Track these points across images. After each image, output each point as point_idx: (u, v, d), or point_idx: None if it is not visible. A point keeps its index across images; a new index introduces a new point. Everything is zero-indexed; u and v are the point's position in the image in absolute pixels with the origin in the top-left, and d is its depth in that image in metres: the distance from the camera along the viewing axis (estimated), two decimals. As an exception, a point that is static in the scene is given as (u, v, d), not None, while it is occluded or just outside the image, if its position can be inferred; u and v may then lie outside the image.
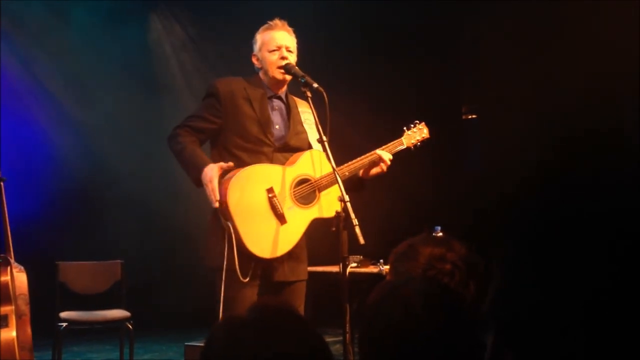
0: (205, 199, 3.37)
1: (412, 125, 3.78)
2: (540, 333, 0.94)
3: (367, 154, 3.58)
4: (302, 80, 3.40)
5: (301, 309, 3.50)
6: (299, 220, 3.41)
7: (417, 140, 3.77)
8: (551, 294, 0.94)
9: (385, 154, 3.57)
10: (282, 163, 3.47)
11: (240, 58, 3.71)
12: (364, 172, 3.57)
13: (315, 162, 3.49)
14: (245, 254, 3.30)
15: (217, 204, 3.26)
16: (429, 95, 7.48)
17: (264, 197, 3.35)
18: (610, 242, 0.95)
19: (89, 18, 7.94)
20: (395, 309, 1.29)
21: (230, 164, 3.33)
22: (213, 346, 1.24)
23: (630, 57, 6.01)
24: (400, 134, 3.74)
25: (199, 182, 3.36)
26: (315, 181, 3.46)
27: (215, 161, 3.48)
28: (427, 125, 3.83)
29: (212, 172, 3.30)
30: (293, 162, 3.47)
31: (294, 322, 1.25)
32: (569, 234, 0.98)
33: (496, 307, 1.00)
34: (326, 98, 3.31)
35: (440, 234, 4.72)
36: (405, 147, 3.72)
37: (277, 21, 3.60)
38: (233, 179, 3.31)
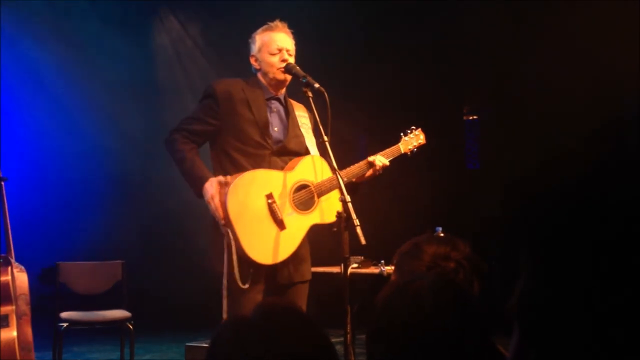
0: (206, 207, 3.37)
1: (408, 131, 3.83)
2: (566, 333, 0.94)
3: (366, 160, 3.60)
4: (304, 80, 3.39)
5: (303, 309, 3.49)
6: (298, 226, 3.39)
7: (414, 146, 3.82)
8: (578, 294, 0.94)
9: (383, 159, 3.60)
10: (280, 166, 3.45)
11: (245, 62, 3.70)
12: (358, 176, 3.59)
13: (314, 167, 3.47)
14: (245, 260, 3.29)
15: (223, 222, 3.27)
16: (429, 96, 7.48)
17: (263, 202, 3.33)
18: (622, 243, 0.95)
19: (92, 20, 7.94)
20: (405, 305, 1.29)
21: (228, 178, 3.33)
22: (219, 346, 1.23)
23: (633, 54, 6.01)
24: (397, 140, 3.78)
25: (199, 196, 3.38)
26: (314, 187, 3.44)
27: (214, 162, 3.48)
28: (425, 130, 3.87)
29: (212, 189, 3.30)
30: (292, 168, 3.45)
31: (300, 322, 1.25)
32: (597, 233, 0.98)
33: (522, 307, 1.00)
34: (327, 98, 3.31)
35: (442, 234, 4.72)
36: (402, 153, 3.76)
37: (277, 22, 3.58)
38: (232, 185, 3.29)
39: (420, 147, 3.84)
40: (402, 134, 3.80)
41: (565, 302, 0.94)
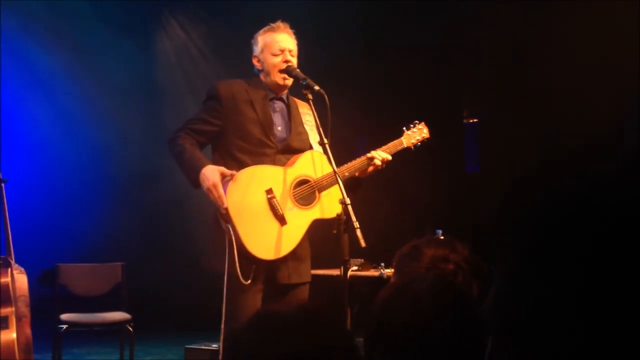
0: (205, 201, 3.35)
1: (411, 125, 3.78)
2: (542, 333, 0.94)
3: (366, 155, 3.57)
4: (304, 83, 3.40)
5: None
6: (299, 221, 3.39)
7: (417, 140, 3.76)
8: (553, 294, 0.94)
9: (384, 154, 3.57)
10: (284, 165, 3.45)
11: (247, 63, 3.70)
12: (361, 171, 3.56)
13: (314, 162, 3.47)
14: (246, 257, 3.28)
15: (224, 210, 3.25)
16: (429, 97, 7.47)
17: (263, 198, 3.33)
18: (611, 242, 0.95)
19: (93, 21, 7.93)
20: (405, 306, 1.29)
21: (234, 172, 3.31)
22: (244, 341, 1.23)
23: (633, 54, 6.00)
24: (400, 134, 3.74)
25: (196, 184, 3.33)
26: (315, 182, 3.44)
27: (217, 165, 3.44)
28: (427, 126, 3.82)
29: (213, 176, 3.26)
30: (292, 163, 3.45)
31: (327, 320, 1.25)
32: (570, 234, 0.97)
33: (498, 306, 1.00)
34: (327, 100, 3.30)
35: (442, 237, 4.71)
36: (405, 147, 3.71)
37: (279, 23, 3.59)
38: (231, 181, 3.29)
39: (424, 142, 3.77)
40: (404, 127, 3.75)
41: (566, 302, 0.94)
